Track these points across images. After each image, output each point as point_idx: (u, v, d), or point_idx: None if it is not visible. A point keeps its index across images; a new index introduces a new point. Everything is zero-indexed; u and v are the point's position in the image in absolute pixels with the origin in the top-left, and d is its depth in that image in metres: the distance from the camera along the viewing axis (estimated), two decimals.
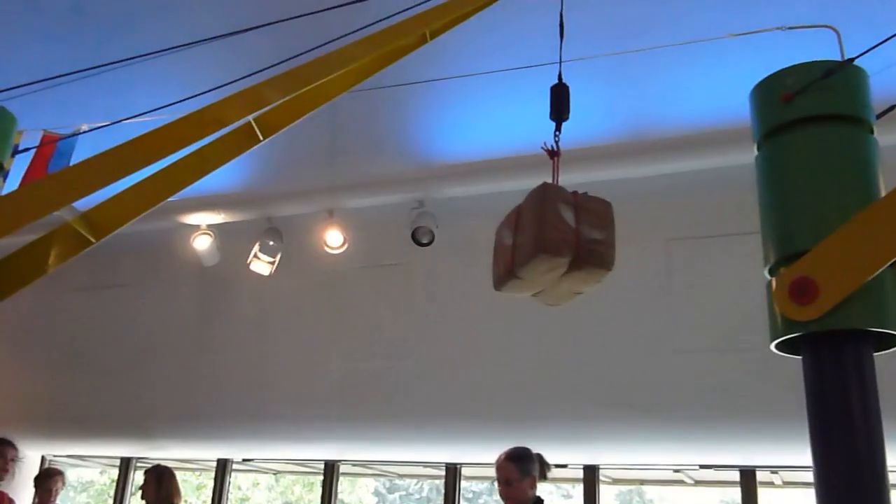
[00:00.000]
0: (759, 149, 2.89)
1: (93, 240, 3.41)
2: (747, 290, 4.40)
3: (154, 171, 3.30)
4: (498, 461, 4.04)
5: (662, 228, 5.20)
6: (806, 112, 2.71)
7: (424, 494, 20.40)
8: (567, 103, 3.52)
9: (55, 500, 5.80)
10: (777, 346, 2.79)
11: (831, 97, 2.68)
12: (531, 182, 4.81)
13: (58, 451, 7.84)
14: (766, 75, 2.81)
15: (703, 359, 5.04)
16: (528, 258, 3.00)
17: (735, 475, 5.61)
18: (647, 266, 5.16)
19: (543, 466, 4.05)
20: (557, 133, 3.45)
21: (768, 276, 2.79)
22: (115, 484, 7.20)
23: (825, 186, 2.67)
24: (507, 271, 3.14)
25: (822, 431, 2.62)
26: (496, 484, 4.05)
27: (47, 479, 5.94)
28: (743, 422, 5.02)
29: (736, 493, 5.63)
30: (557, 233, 2.97)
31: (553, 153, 3.43)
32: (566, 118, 3.53)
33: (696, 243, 5.09)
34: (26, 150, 4.70)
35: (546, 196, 3.07)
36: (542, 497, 4.00)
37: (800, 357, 2.76)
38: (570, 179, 4.29)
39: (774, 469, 5.59)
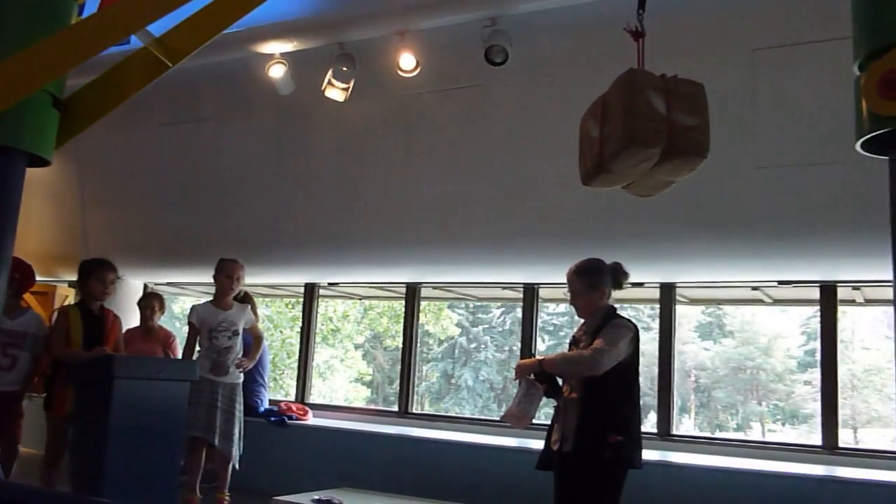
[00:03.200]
0: None
1: (169, 63, 3.46)
2: (835, 101, 4.21)
3: None
4: (567, 274, 4.08)
5: (747, 38, 4.92)
6: None
7: (507, 328, 21.08)
8: None
9: (154, 319, 6.23)
10: (864, 147, 2.70)
11: None
12: None
13: (157, 279, 8.36)
14: None
15: (786, 173, 4.90)
16: (617, 150, 2.91)
17: (815, 293, 5.58)
18: (730, 78, 4.94)
19: (619, 276, 3.99)
20: (641, 11, 3.23)
21: (857, 73, 2.66)
22: None
23: None
24: (595, 165, 3.06)
25: None
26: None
27: (146, 301, 6.36)
28: (825, 236, 4.94)
29: (817, 319, 5.59)
30: (648, 122, 2.87)
31: (637, 34, 3.22)
32: None
33: (782, 52, 4.82)
34: None
35: (634, 83, 2.94)
36: (615, 307, 4.04)
37: (886, 158, 2.67)
38: None
39: (856, 285, 5.53)
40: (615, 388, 3.74)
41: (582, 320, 4.08)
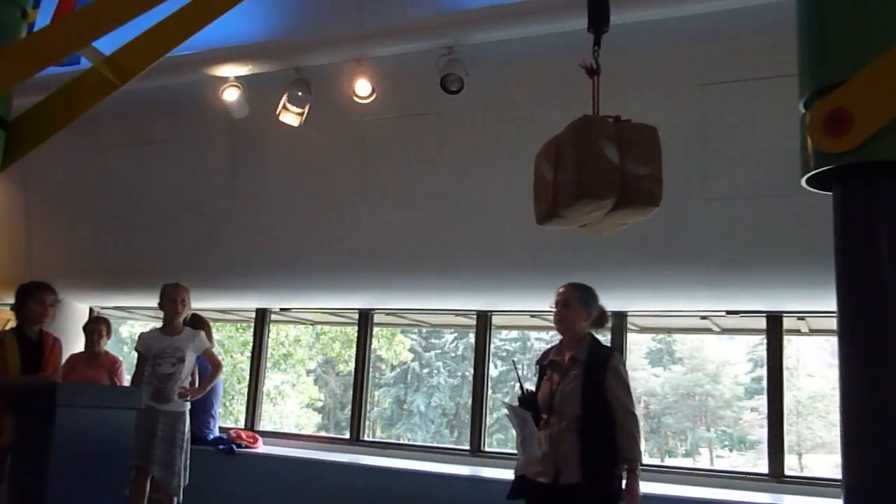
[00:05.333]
0: None
1: (118, 83, 3.43)
2: (782, 136, 4.31)
3: (177, 9, 3.27)
4: (562, 287, 4.10)
5: (695, 74, 5.04)
6: None
7: (460, 353, 21.08)
8: (606, 11, 3.25)
9: (100, 344, 6.09)
10: (809, 183, 2.77)
11: None
12: (565, 25, 4.70)
13: (104, 302, 8.17)
14: None
15: (734, 206, 5.00)
16: (570, 201, 2.93)
17: (762, 322, 5.69)
18: (679, 113, 5.04)
19: (604, 315, 4.12)
20: (597, 48, 3.22)
21: (803, 110, 2.73)
22: None
23: (864, 15, 2.56)
24: (549, 210, 3.08)
25: (848, 264, 2.64)
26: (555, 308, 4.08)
27: (92, 325, 6.22)
28: (771, 268, 5.03)
29: (763, 347, 5.69)
30: (601, 174, 2.88)
31: (593, 71, 3.21)
32: (606, 30, 3.26)
33: (730, 88, 4.94)
34: None
35: (586, 132, 2.94)
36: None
37: (830, 193, 2.74)
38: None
39: (801, 315, 5.64)
40: (611, 418, 3.77)
41: (558, 340, 4.10)
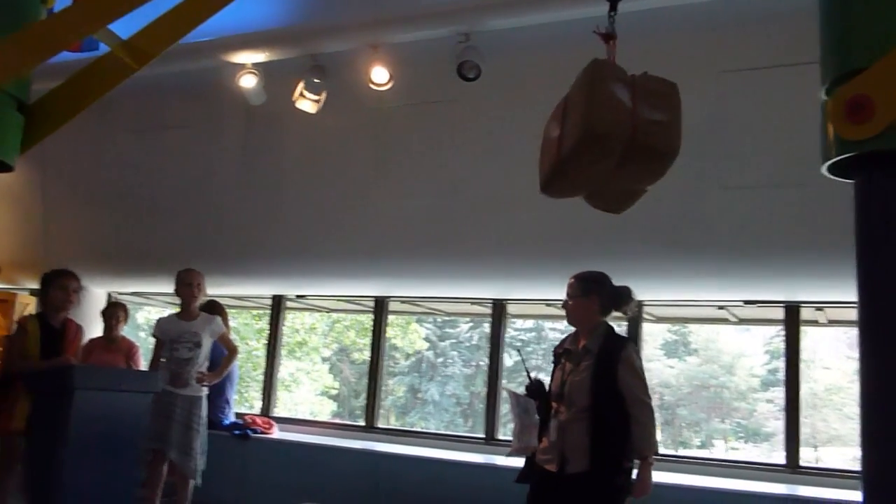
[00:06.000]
0: None
1: (135, 66, 3.42)
2: (800, 124, 4.26)
3: None
4: (570, 278, 4.03)
5: (714, 61, 4.99)
6: None
7: (474, 342, 21.05)
8: None
9: (118, 329, 6.13)
10: (829, 171, 2.73)
11: None
12: (582, 12, 4.67)
13: (121, 288, 8.23)
14: None
15: (752, 194, 4.95)
16: (574, 143, 2.64)
17: (779, 313, 5.65)
18: (696, 100, 4.98)
19: (623, 297, 3.94)
20: (613, 13, 3.10)
21: (824, 97, 2.69)
22: None
23: (887, 0, 2.52)
24: (552, 167, 2.81)
25: (869, 254, 2.61)
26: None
27: (110, 310, 6.26)
28: (789, 257, 4.99)
29: (781, 338, 5.66)
30: (609, 112, 2.60)
31: (608, 36, 3.05)
32: None
33: (749, 75, 4.88)
34: None
35: (595, 73, 2.70)
36: (612, 325, 3.97)
37: (851, 181, 2.71)
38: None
39: (819, 306, 5.60)
40: (621, 410, 3.69)
41: (573, 329, 4.03)
